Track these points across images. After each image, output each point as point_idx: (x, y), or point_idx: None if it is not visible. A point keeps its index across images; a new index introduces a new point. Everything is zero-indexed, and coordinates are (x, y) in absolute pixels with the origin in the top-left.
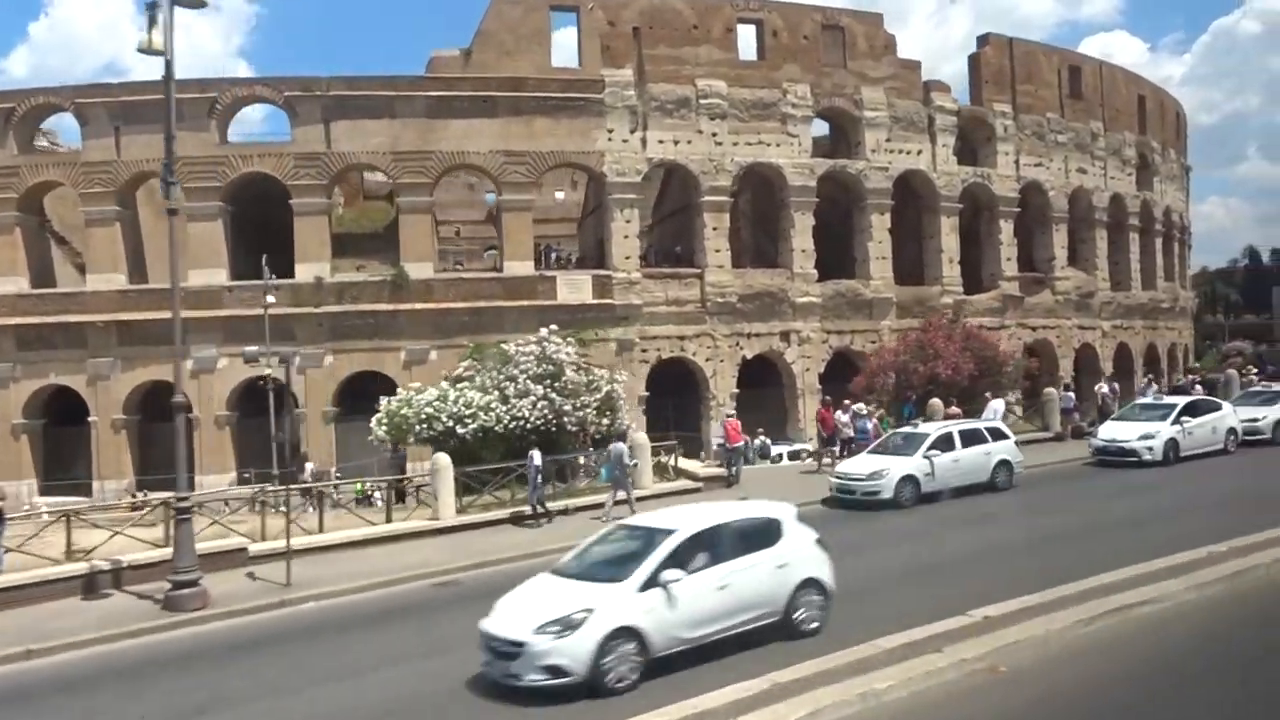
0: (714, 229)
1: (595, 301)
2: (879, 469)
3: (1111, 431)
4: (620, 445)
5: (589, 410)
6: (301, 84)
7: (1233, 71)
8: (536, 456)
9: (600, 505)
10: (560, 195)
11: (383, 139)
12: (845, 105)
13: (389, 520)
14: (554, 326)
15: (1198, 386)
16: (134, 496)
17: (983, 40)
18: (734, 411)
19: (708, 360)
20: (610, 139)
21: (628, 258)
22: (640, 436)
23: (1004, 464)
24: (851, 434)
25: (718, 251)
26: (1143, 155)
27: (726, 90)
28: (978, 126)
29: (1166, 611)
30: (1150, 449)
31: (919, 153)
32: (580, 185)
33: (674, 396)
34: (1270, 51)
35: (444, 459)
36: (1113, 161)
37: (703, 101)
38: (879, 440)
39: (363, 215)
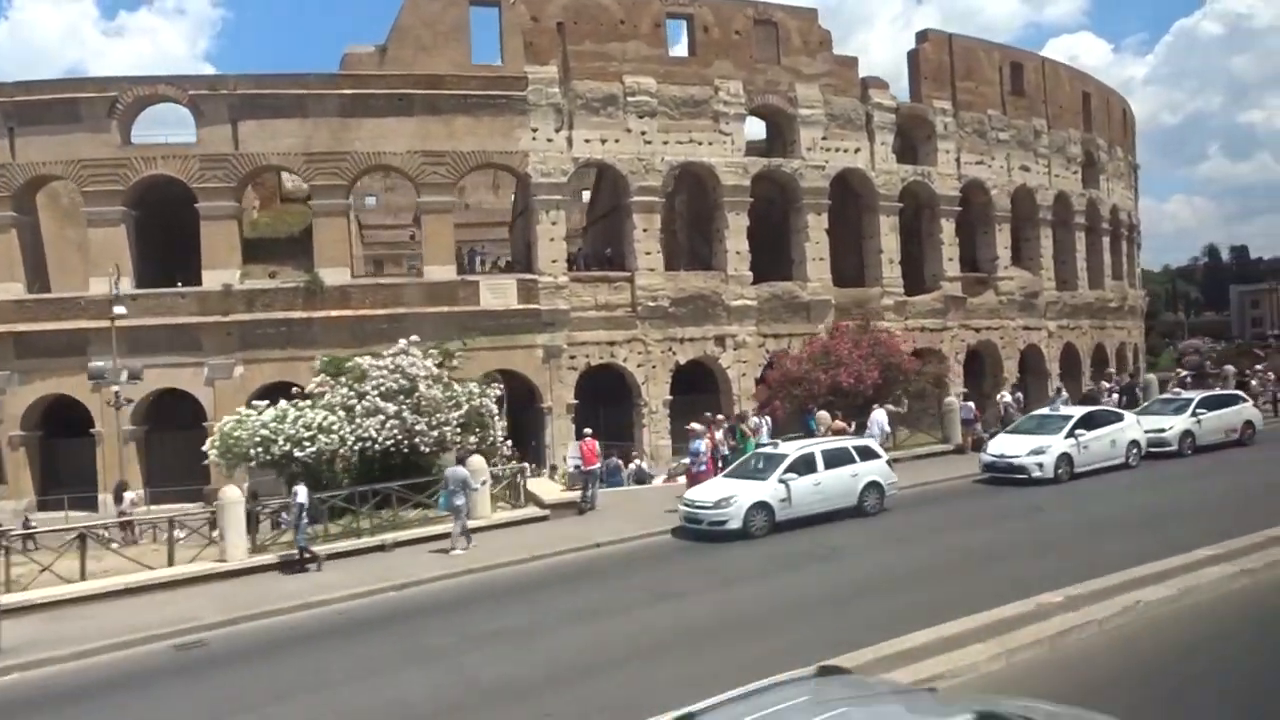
0: (644, 231)
1: (520, 307)
2: (726, 496)
3: (1001, 446)
4: (459, 469)
5: (448, 428)
6: (207, 83)
7: (1194, 72)
8: (301, 493)
9: (443, 536)
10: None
11: (294, 139)
12: (780, 103)
13: (170, 562)
14: (415, 338)
15: (1113, 394)
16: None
17: (921, 36)
18: (591, 431)
19: (639, 366)
20: (534, 138)
21: (554, 261)
22: (476, 460)
23: (873, 486)
24: (727, 452)
25: (648, 254)
26: (1089, 153)
27: (656, 87)
28: (918, 124)
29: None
30: (1040, 465)
31: (857, 151)
32: (503, 189)
33: (607, 404)
34: (1230, 52)
35: (232, 492)
36: (1057, 159)
37: (631, 99)
38: (739, 462)
39: (279, 219)
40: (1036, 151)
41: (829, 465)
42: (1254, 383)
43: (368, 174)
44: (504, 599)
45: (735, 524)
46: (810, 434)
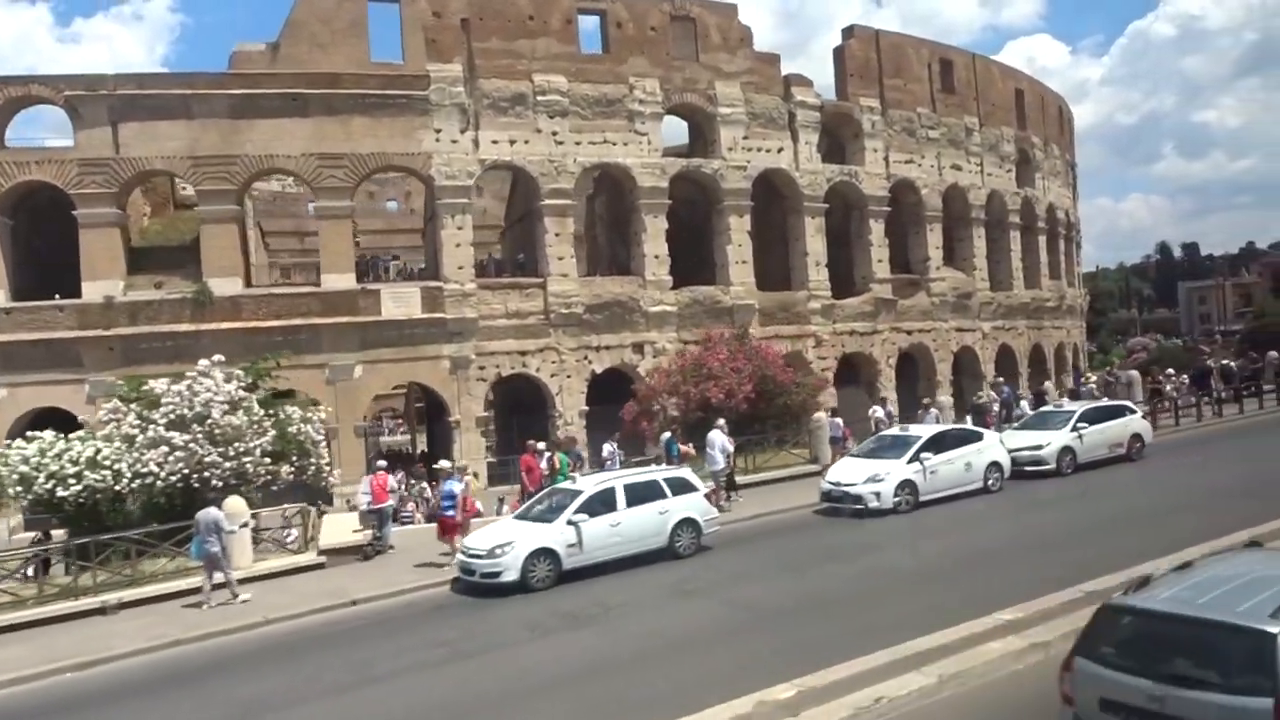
0: (557, 235)
1: (425, 316)
2: (502, 543)
3: (839, 472)
4: (212, 511)
5: (249, 459)
6: (85, 83)
7: (1149, 73)
8: None
9: (195, 590)
10: (393, 204)
11: (180, 142)
12: (699, 101)
13: None
14: (219, 357)
15: (995, 406)
16: None
17: (848, 33)
18: (385, 464)
19: (553, 376)
20: (438, 139)
21: (461, 268)
22: (233, 501)
23: (687, 524)
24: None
25: (561, 259)
26: (1023, 151)
27: (567, 86)
28: (844, 123)
29: None
30: (877, 495)
31: (780, 151)
32: (415, 195)
33: (521, 415)
34: (1183, 53)
35: None
36: (990, 158)
37: (541, 98)
38: (530, 501)
39: (172, 226)
40: (968, 150)
41: (633, 502)
42: (1168, 388)
43: (260, 178)
44: (172, 688)
45: (512, 575)
46: (671, 460)
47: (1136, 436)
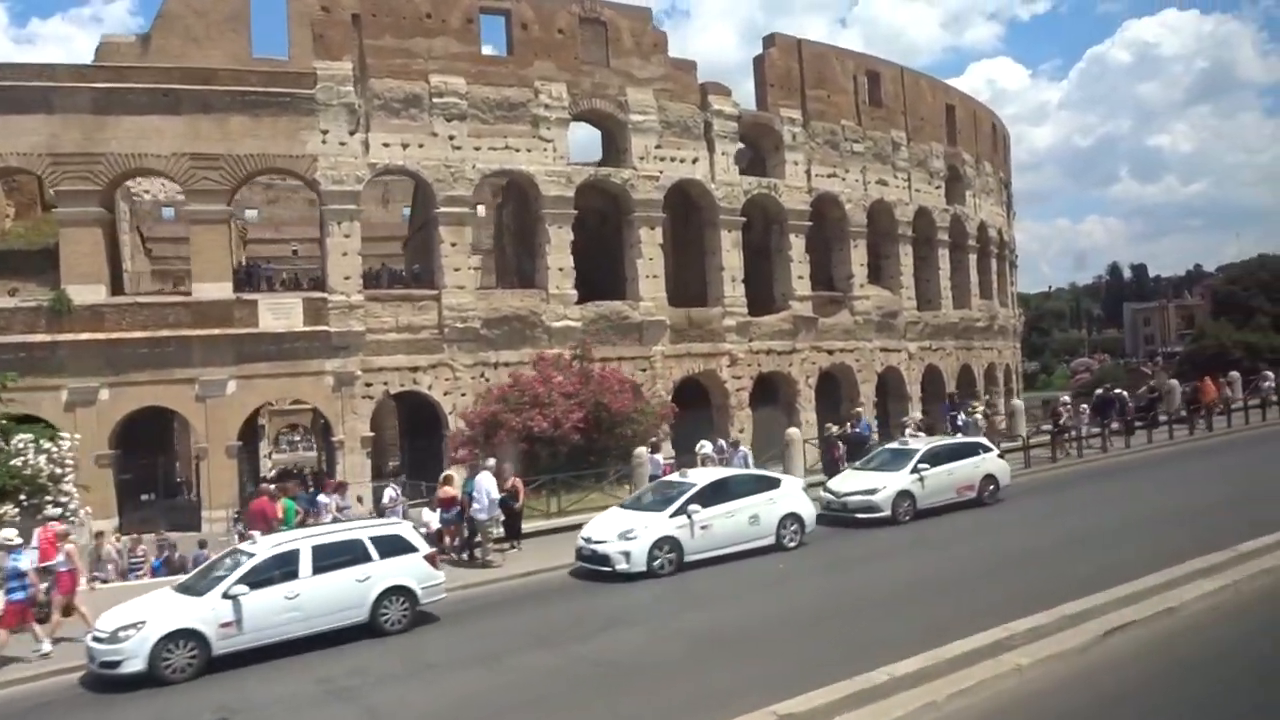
0: (453, 245)
1: (307, 329)
2: (131, 623)
3: (594, 528)
4: None
5: None
6: None
7: (1105, 97)
8: None
9: None
10: (252, 213)
11: (38, 138)
12: (609, 108)
13: None
14: None
15: (839, 444)
16: None
17: (768, 41)
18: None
19: (446, 394)
20: (324, 141)
21: (347, 278)
22: None
23: (396, 593)
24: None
25: (457, 270)
26: (953, 167)
27: (466, 88)
28: (764, 134)
29: None
30: (627, 556)
31: (695, 161)
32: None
33: (418, 437)
34: (1138, 79)
35: None
36: (918, 173)
37: (437, 100)
38: (197, 570)
39: (37, 229)
40: (895, 165)
41: (323, 567)
42: (1064, 418)
43: (129, 178)
44: None
45: (137, 664)
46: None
47: (989, 478)
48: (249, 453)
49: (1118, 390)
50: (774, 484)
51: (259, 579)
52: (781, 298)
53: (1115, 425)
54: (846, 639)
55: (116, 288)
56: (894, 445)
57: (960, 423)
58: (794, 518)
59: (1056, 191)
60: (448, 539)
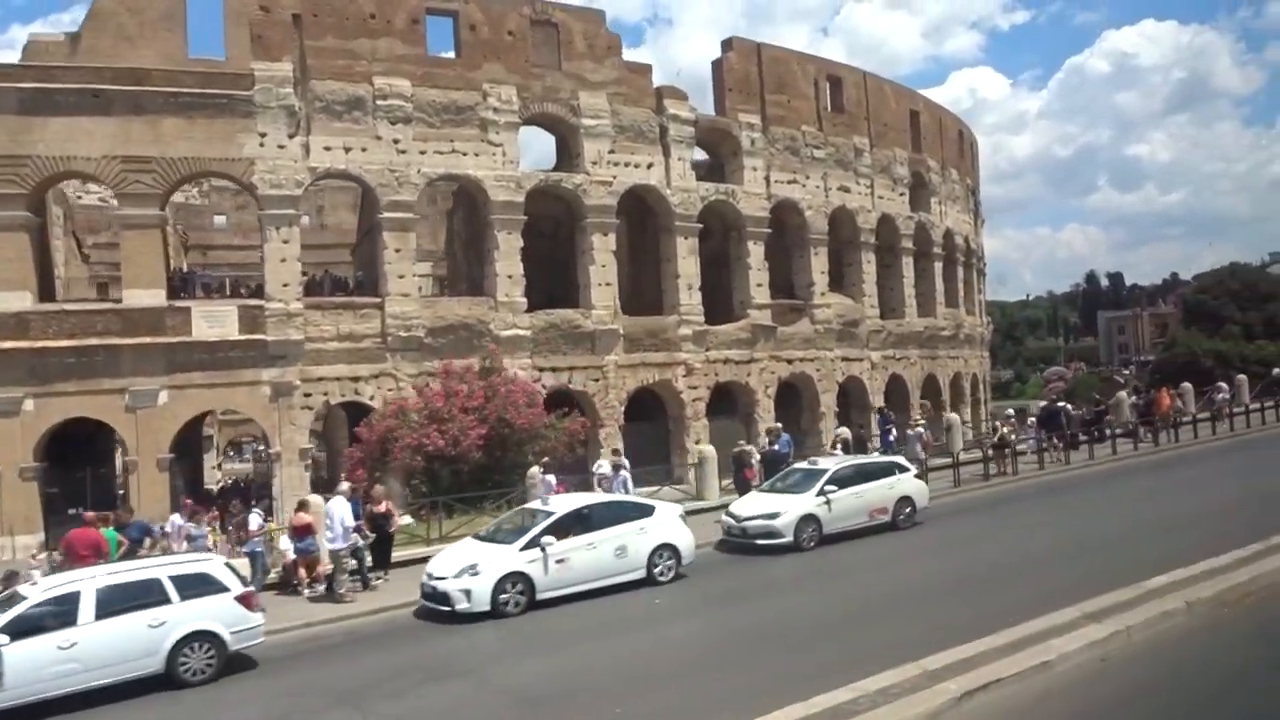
0: (397, 251)
1: (243, 338)
2: None
3: (438, 562)
4: None
5: None
6: None
7: (1085, 107)
8: None
9: None
10: (220, 219)
11: None
12: (561, 111)
13: None
14: None
15: (754, 461)
16: None
17: (726, 45)
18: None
19: (389, 404)
20: (262, 144)
21: (286, 285)
22: None
23: (199, 640)
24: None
25: (401, 278)
26: (918, 174)
27: (412, 90)
28: (722, 139)
29: None
30: (468, 594)
31: (650, 166)
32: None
33: None
34: (1117, 88)
35: None
36: (882, 180)
37: (381, 103)
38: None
39: None
40: (858, 171)
41: (109, 612)
42: (1004, 430)
43: (58, 181)
44: None
45: None
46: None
47: (905, 500)
48: (190, 465)
49: (1063, 403)
50: (646, 511)
51: (26, 627)
52: (740, 306)
53: (1057, 441)
54: (682, 697)
55: (47, 295)
56: (803, 465)
57: (893, 438)
58: (668, 549)
59: (1037, 200)
60: (302, 571)
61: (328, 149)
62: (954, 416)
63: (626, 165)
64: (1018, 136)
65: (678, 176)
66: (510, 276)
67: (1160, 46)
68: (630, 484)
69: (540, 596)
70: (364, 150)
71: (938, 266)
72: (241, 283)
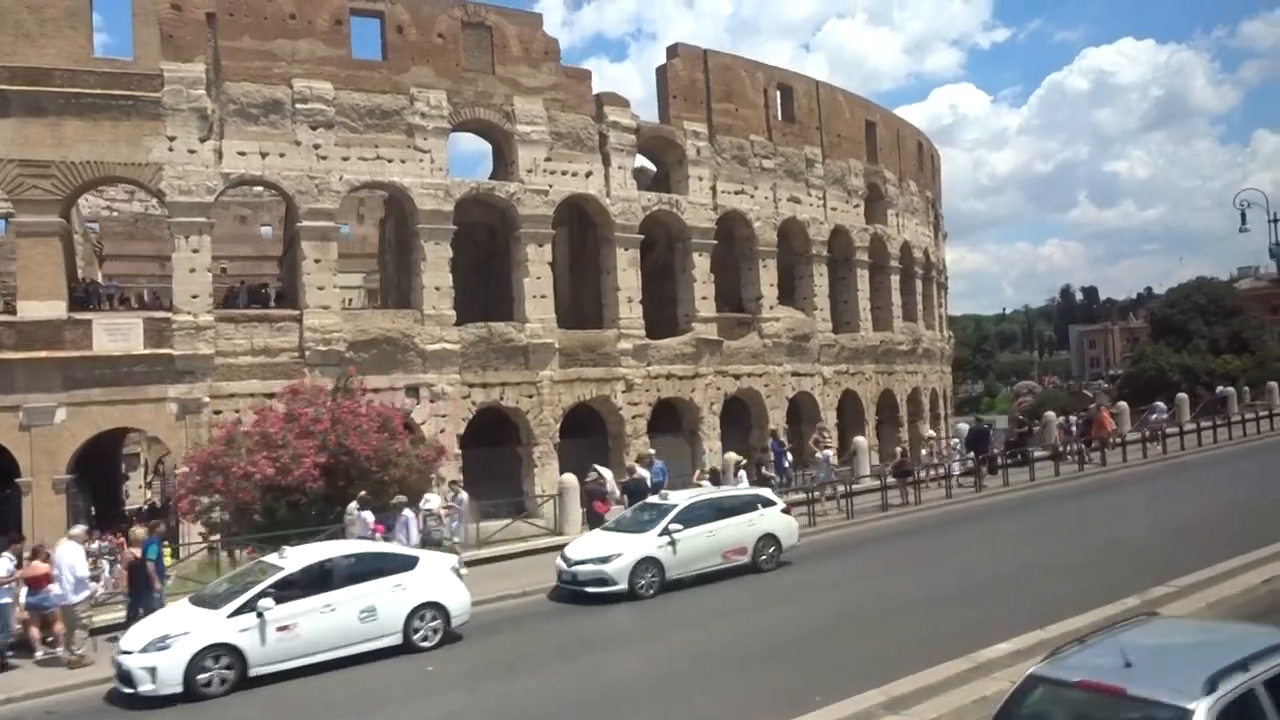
0: (317, 261)
1: (147, 352)
2: None
3: (133, 635)
4: None
5: None
6: None
7: (1064, 123)
8: None
9: None
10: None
11: None
12: (494, 117)
13: None
14: None
15: (609, 495)
16: None
17: (672, 51)
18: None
19: (218, 428)
20: (172, 149)
21: (195, 297)
22: None
23: None
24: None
25: (322, 289)
26: (873, 185)
27: (334, 94)
28: (667, 148)
29: None
30: (152, 672)
31: (589, 175)
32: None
33: None
34: (1096, 105)
35: None
36: (835, 191)
37: (301, 106)
38: None
39: None
40: (809, 182)
41: None
42: (922, 452)
43: None
44: None
45: None
46: (146, 581)
47: (768, 539)
48: (105, 486)
49: (985, 424)
50: (408, 564)
51: None
52: (684, 320)
53: (957, 469)
54: None
55: None
56: (654, 500)
57: (788, 463)
58: (432, 608)
59: (1018, 215)
60: (35, 630)
61: (242, 154)
62: (861, 440)
63: (564, 173)
64: (999, 152)
65: (618, 186)
66: (438, 288)
67: (1138, 65)
68: (453, 521)
69: (254, 672)
70: (282, 156)
71: (894, 280)
72: (166, 295)
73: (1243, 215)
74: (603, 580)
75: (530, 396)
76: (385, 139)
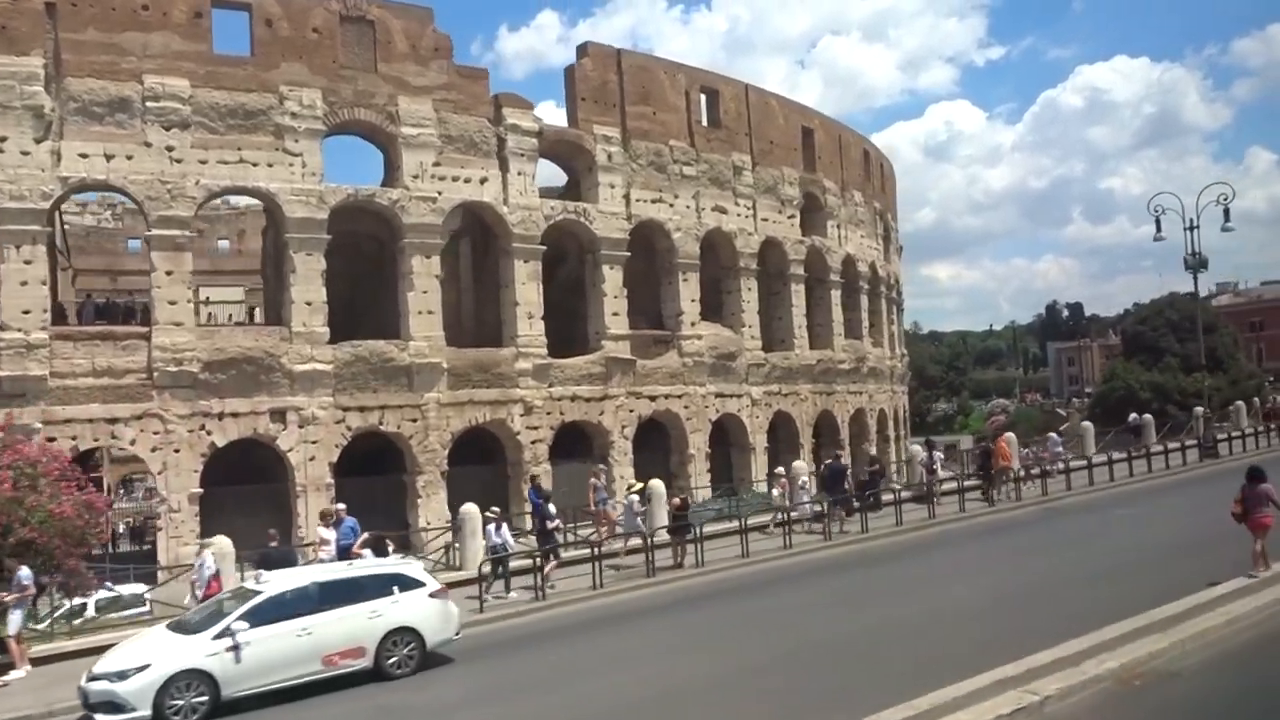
0: (169, 274)
1: None
2: None
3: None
4: None
5: None
6: None
7: (1058, 140)
8: None
9: None
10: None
11: None
12: (375, 118)
13: None
14: None
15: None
16: None
17: (581, 50)
18: None
19: (155, 450)
20: (2, 149)
21: (26, 312)
22: None
23: None
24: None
25: (173, 304)
26: (811, 195)
27: (190, 91)
28: (576, 153)
29: None
30: (117, 703)
31: (484, 181)
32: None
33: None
34: (1090, 123)
35: None
36: (766, 201)
37: (152, 105)
38: None
39: None
40: (737, 190)
41: None
42: (775, 492)
43: None
44: None
45: None
46: None
47: (402, 633)
48: None
49: (839, 461)
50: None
51: None
52: (595, 337)
53: (774, 521)
54: None
55: None
56: (250, 583)
57: (552, 523)
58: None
59: (1013, 231)
60: None
61: (84, 156)
62: (656, 484)
63: (455, 179)
64: (993, 169)
65: (518, 193)
66: (309, 303)
67: (1132, 82)
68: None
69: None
70: (129, 158)
71: (835, 295)
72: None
73: (1157, 223)
74: (115, 705)
75: (414, 420)
76: (250, 141)
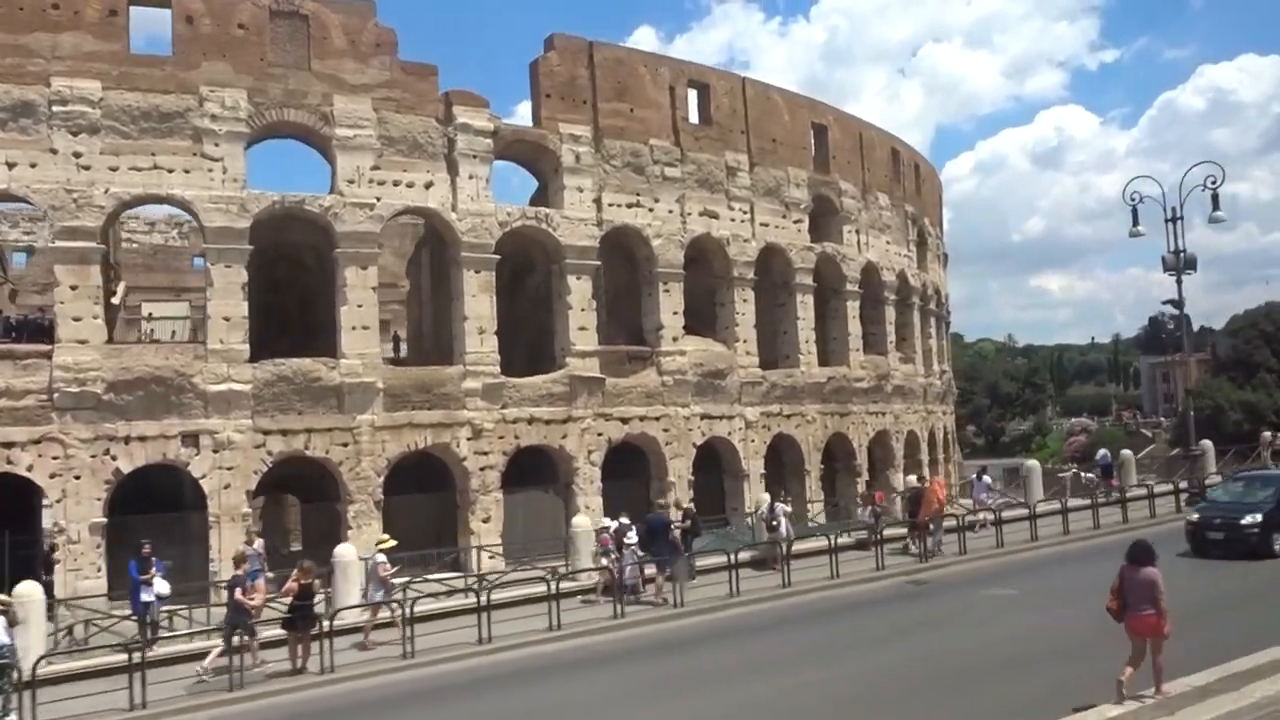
0: (74, 288)
1: None
2: None
3: None
4: None
5: None
6: None
7: (1177, 144)
8: None
9: None
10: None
11: None
12: (308, 119)
13: None
14: None
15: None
16: None
17: (549, 44)
18: None
19: (54, 476)
20: None
21: None
22: None
23: None
24: None
25: (78, 321)
26: (823, 198)
27: (101, 94)
28: (542, 155)
29: None
30: None
31: (429, 186)
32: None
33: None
34: (1211, 125)
35: None
36: (767, 204)
37: (59, 109)
38: None
39: None
40: (730, 193)
41: None
42: (592, 548)
43: None
44: None
45: None
46: None
47: None
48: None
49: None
50: None
51: None
52: (560, 353)
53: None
54: None
55: None
56: None
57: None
58: None
59: (1130, 240)
60: None
61: None
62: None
63: (396, 184)
64: (1106, 175)
65: (468, 198)
66: (227, 319)
67: (1260, 81)
68: None
69: None
70: (33, 166)
71: (853, 306)
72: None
73: (1134, 214)
74: None
75: (345, 445)
76: (165, 145)
